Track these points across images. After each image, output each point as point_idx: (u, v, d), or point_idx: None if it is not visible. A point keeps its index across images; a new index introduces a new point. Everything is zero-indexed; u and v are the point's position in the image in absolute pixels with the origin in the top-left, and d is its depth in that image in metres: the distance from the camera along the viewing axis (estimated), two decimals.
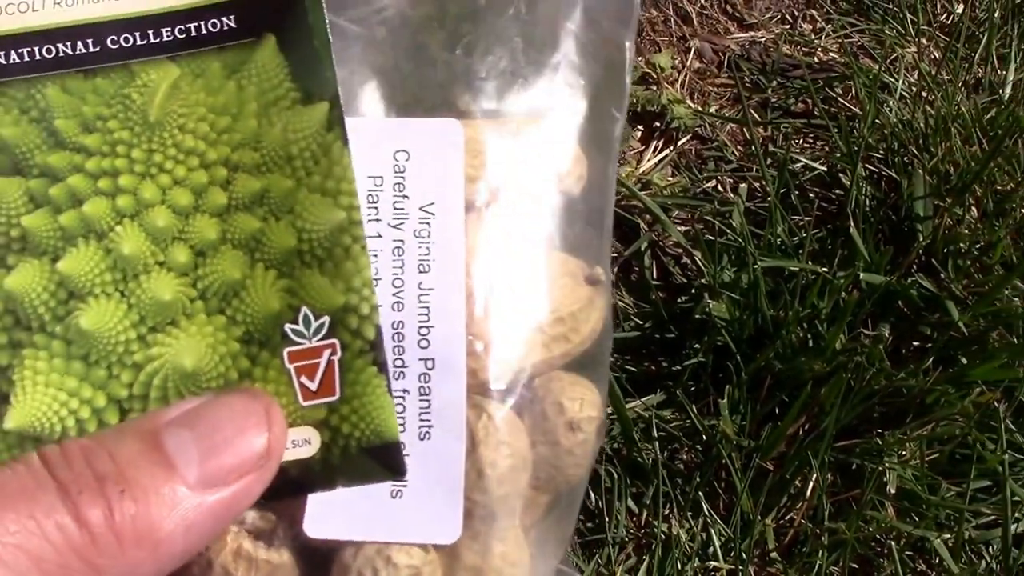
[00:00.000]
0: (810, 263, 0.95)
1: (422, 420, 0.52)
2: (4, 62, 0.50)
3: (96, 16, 0.50)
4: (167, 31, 0.50)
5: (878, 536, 0.78)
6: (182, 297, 0.51)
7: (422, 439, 0.52)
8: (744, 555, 0.87)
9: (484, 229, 0.54)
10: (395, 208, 0.52)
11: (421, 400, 0.52)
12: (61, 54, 0.50)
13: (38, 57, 0.50)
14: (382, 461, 0.51)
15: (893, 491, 0.80)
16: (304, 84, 0.51)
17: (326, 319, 0.51)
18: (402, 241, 0.52)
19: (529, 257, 0.55)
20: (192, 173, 0.51)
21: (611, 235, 0.56)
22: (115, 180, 0.51)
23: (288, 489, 0.51)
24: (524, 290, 0.53)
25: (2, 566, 0.44)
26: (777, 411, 0.93)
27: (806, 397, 0.87)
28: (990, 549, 0.79)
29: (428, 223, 0.52)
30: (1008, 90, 1.07)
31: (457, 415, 0.52)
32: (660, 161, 1.16)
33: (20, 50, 0.50)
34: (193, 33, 0.51)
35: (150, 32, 0.50)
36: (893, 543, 0.77)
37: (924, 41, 1.13)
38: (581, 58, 0.57)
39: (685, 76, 1.24)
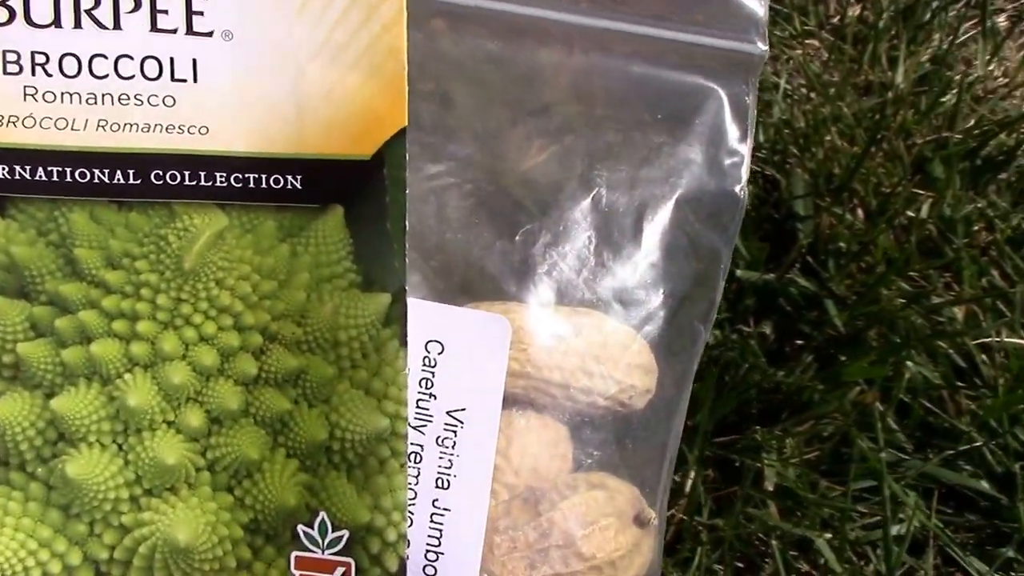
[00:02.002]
0: None
1: None
2: (29, 177, 0.44)
3: (144, 147, 0.44)
4: (222, 176, 0.44)
5: (760, 535, 0.74)
6: (187, 463, 0.45)
7: None
8: None
9: (520, 438, 0.47)
10: (418, 407, 0.46)
11: None
12: (96, 180, 0.44)
13: (68, 179, 0.44)
14: None
15: (771, 488, 0.75)
16: (367, 267, 0.45)
17: (345, 533, 0.45)
18: (421, 447, 0.46)
19: (569, 483, 0.47)
20: (223, 333, 0.45)
21: (672, 468, 0.49)
22: (133, 324, 0.45)
23: None
24: (557, 526, 0.46)
25: None
26: None
27: None
28: (877, 551, 0.74)
29: (455, 431, 0.45)
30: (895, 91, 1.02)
31: None
32: None
33: (49, 168, 0.44)
34: (251, 184, 0.44)
35: (202, 174, 0.44)
36: (775, 542, 0.73)
37: (815, 42, 1.09)
38: (665, 260, 0.49)
39: None
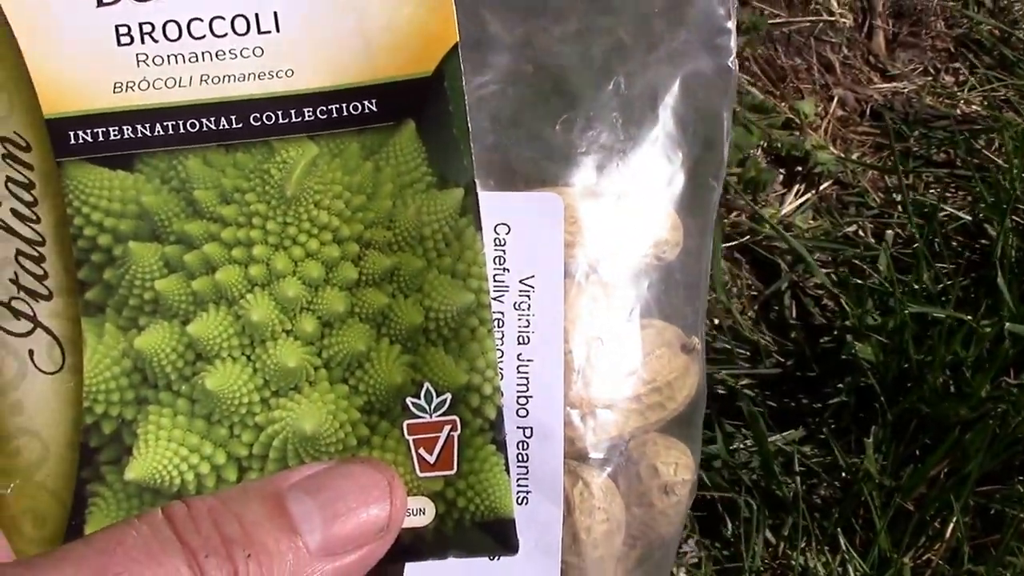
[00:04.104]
0: (955, 311, 0.96)
1: (520, 486, 0.54)
2: (149, 134, 0.51)
3: (241, 94, 0.52)
4: (309, 111, 0.52)
5: None
6: (306, 365, 0.53)
7: (520, 503, 0.54)
8: None
9: (583, 298, 0.56)
10: (496, 281, 0.54)
11: (519, 467, 0.53)
12: (205, 129, 0.52)
13: (182, 131, 0.52)
14: (495, 536, 0.53)
15: None
16: (440, 169, 0.53)
17: (448, 396, 0.53)
18: (502, 314, 0.54)
19: (627, 326, 0.56)
20: (324, 247, 0.52)
21: (706, 302, 0.58)
22: (249, 250, 0.52)
23: (400, 556, 0.53)
24: (622, 360, 0.55)
25: None
26: (918, 452, 0.95)
27: (952, 442, 0.87)
28: None
29: (528, 296, 0.53)
30: None
31: (554, 481, 0.54)
32: (802, 204, 1.18)
33: (165, 123, 0.51)
34: (334, 114, 0.52)
35: (292, 111, 0.52)
36: None
37: None
38: (679, 130, 0.58)
39: (828, 123, 1.25)
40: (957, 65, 1.31)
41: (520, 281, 0.53)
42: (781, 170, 1.22)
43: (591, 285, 0.56)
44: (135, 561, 0.46)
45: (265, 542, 0.48)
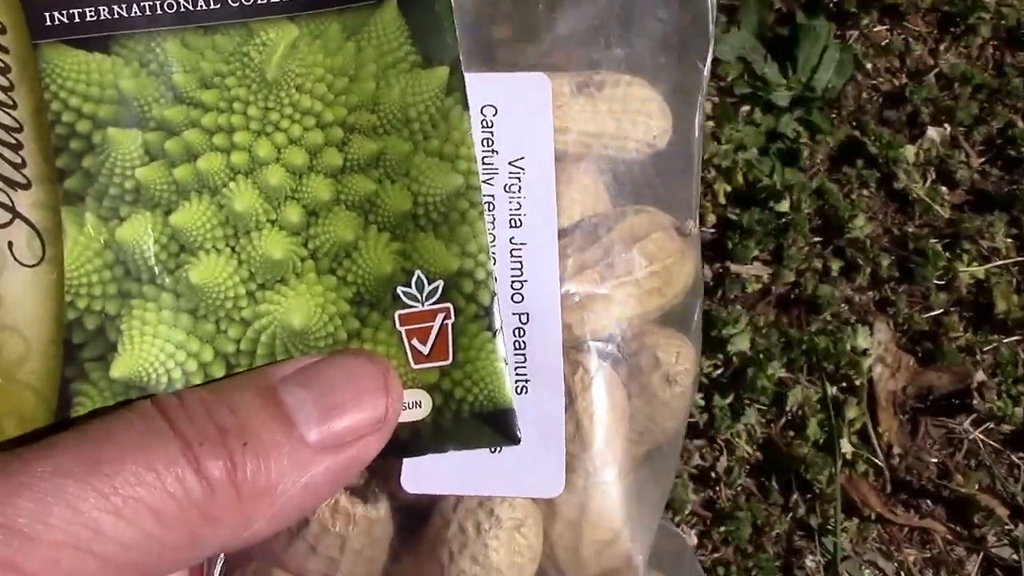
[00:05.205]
0: None
1: (518, 375, 0.52)
2: (126, 14, 0.50)
3: None
4: None
5: None
6: (293, 256, 0.52)
7: (519, 393, 0.53)
8: None
9: (574, 182, 0.54)
10: (484, 164, 0.53)
11: (517, 355, 0.52)
12: (182, 9, 0.51)
13: (159, 11, 0.51)
14: (495, 427, 0.51)
15: None
16: (424, 48, 0.52)
17: (440, 283, 0.51)
18: (492, 196, 0.53)
19: (620, 212, 0.55)
20: (308, 133, 0.51)
21: (699, 187, 0.56)
22: (230, 137, 0.51)
23: (398, 450, 0.52)
24: (616, 243, 0.53)
25: (123, 521, 0.44)
26: None
27: None
28: None
29: (519, 178, 0.52)
30: None
31: (554, 369, 0.53)
32: None
33: (142, 3, 0.50)
34: None
35: None
36: None
37: None
38: (666, 11, 0.57)
39: None
40: None
41: (509, 163, 0.52)
42: None
43: (582, 170, 0.55)
44: (127, 451, 0.45)
45: (260, 432, 0.47)
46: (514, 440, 0.52)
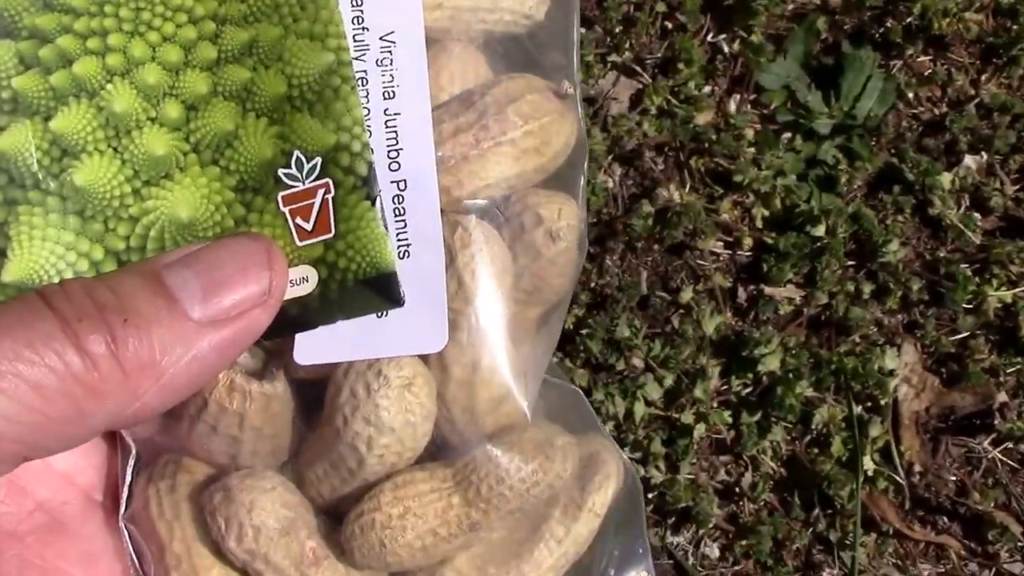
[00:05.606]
0: None
1: (400, 240, 0.53)
2: None
3: None
4: None
5: None
6: (175, 151, 0.53)
7: (402, 258, 0.53)
8: None
9: (445, 52, 0.56)
10: (355, 40, 0.54)
11: (397, 221, 0.53)
12: None
13: None
14: (379, 291, 0.52)
15: None
16: None
17: (318, 160, 0.53)
18: (365, 72, 0.54)
19: (496, 78, 0.56)
20: (181, 29, 0.53)
21: (578, 54, 0.57)
22: (104, 40, 0.53)
23: (288, 327, 0.53)
24: (491, 106, 0.54)
25: (2, 395, 0.45)
26: None
27: None
28: None
29: (390, 51, 0.53)
30: None
31: (433, 231, 0.54)
32: None
33: None
34: None
35: None
36: None
37: None
38: None
39: None
40: None
41: (380, 38, 0.53)
42: None
43: (459, 46, 0.56)
44: (5, 330, 0.46)
45: (141, 309, 0.48)
46: (398, 302, 0.52)
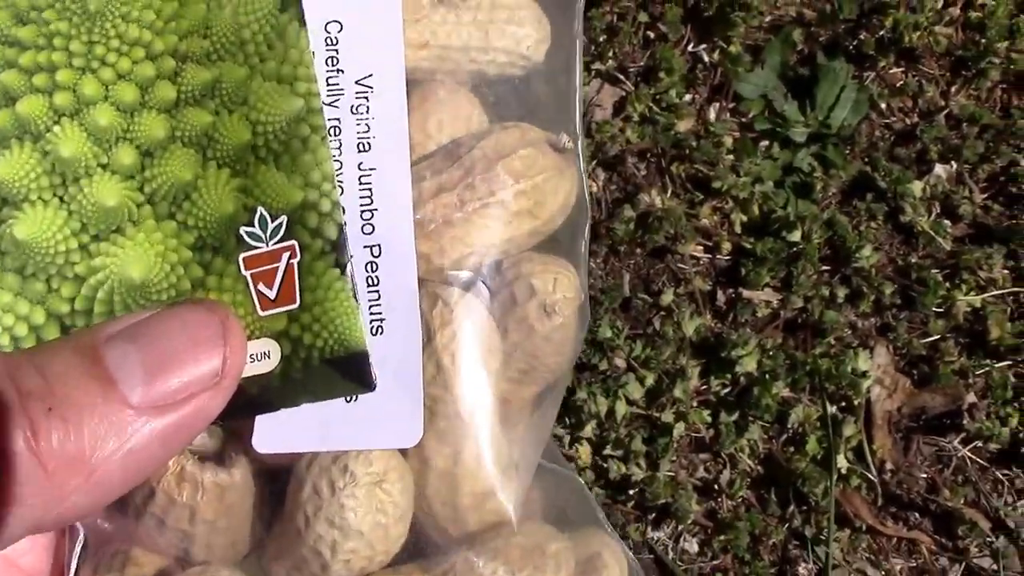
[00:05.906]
0: None
1: (373, 314, 0.47)
2: None
3: None
4: None
5: None
6: (128, 202, 0.48)
7: (374, 334, 0.47)
8: None
9: (430, 99, 0.49)
10: (329, 84, 0.48)
11: (370, 292, 0.47)
12: None
13: None
14: (348, 373, 0.46)
15: None
16: None
17: (283, 219, 0.47)
18: (338, 120, 0.48)
19: (487, 128, 0.49)
20: (137, 66, 0.48)
21: (579, 101, 0.51)
22: (52, 76, 0.47)
23: (246, 408, 0.47)
24: (479, 162, 0.48)
25: None
26: None
27: None
28: None
29: (366, 97, 0.47)
30: None
31: (410, 305, 0.47)
32: None
33: None
34: None
35: None
36: None
37: None
38: None
39: None
40: None
41: (356, 82, 0.47)
42: None
43: (448, 90, 0.50)
44: None
45: (71, 394, 0.41)
46: (369, 386, 0.46)
